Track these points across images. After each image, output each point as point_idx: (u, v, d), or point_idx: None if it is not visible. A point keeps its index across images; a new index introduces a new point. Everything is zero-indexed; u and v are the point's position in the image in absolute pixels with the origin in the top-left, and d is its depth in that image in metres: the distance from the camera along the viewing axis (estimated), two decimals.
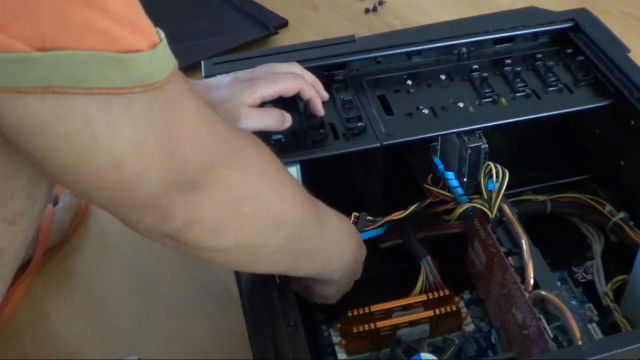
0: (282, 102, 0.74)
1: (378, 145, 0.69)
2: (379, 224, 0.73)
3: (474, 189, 0.71)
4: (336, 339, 0.71)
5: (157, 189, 0.42)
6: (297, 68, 0.71)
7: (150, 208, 0.43)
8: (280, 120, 0.67)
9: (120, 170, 0.40)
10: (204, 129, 0.44)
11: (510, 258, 0.64)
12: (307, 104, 0.71)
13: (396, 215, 0.72)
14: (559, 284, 0.71)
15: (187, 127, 0.42)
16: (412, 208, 0.72)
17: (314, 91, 0.70)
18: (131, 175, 0.40)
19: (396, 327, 0.69)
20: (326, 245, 0.61)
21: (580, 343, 0.56)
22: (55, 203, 0.92)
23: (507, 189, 0.66)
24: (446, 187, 0.72)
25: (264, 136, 0.70)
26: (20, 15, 0.34)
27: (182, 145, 0.42)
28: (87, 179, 0.40)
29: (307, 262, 0.60)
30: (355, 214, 0.73)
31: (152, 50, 0.38)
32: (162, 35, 0.41)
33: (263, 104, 0.68)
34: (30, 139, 0.38)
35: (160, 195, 0.42)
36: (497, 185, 0.66)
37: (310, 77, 0.71)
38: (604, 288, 0.72)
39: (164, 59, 0.40)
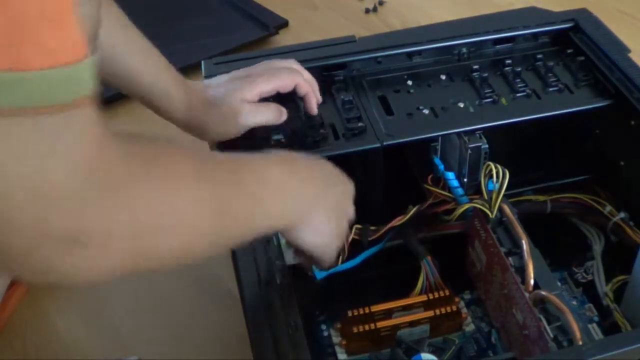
0: (281, 102, 0.74)
1: (378, 145, 0.69)
2: (381, 232, 0.73)
3: (474, 189, 0.71)
4: (336, 339, 0.71)
5: (29, 243, 0.36)
6: (294, 64, 0.71)
7: (26, 259, 0.37)
8: (277, 113, 0.69)
9: None
10: (83, 163, 0.37)
11: (510, 258, 0.64)
12: (302, 100, 0.71)
13: (397, 221, 0.72)
14: (559, 284, 0.71)
15: (60, 165, 0.36)
16: (411, 212, 0.72)
17: (310, 87, 0.70)
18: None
19: (396, 327, 0.69)
20: (266, 208, 0.55)
21: (580, 343, 0.56)
22: None
23: (507, 189, 0.66)
24: (446, 187, 0.72)
25: (264, 136, 0.70)
26: None
27: (52, 191, 0.35)
28: None
29: (248, 232, 0.54)
30: (357, 225, 0.73)
31: (48, 69, 0.33)
32: (89, 57, 0.35)
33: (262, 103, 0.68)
34: None
35: (34, 251, 0.36)
36: (497, 185, 0.66)
37: (307, 74, 0.72)
38: (604, 288, 0.72)
39: (64, 82, 0.34)
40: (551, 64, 0.77)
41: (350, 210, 0.64)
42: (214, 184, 0.49)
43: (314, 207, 0.59)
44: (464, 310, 0.72)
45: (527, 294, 0.61)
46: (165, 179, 0.44)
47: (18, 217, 0.35)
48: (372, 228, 0.73)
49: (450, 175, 0.71)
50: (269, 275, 0.61)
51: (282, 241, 0.67)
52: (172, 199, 0.44)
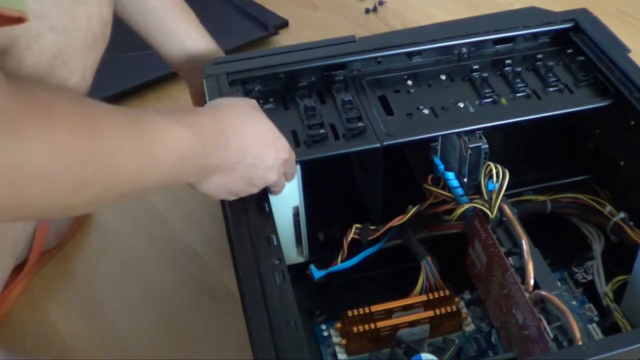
0: (282, 101, 0.74)
1: (378, 145, 0.69)
2: (381, 232, 0.73)
3: (474, 189, 0.71)
4: (336, 339, 0.71)
5: None
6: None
7: None
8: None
9: None
10: None
11: (510, 258, 0.64)
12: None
13: (396, 221, 0.73)
14: (559, 284, 0.71)
15: None
16: (411, 211, 0.72)
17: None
18: None
19: (396, 327, 0.69)
20: (157, 172, 0.53)
21: (580, 343, 0.56)
22: None
23: (507, 189, 0.66)
24: (446, 187, 0.72)
25: None
26: None
27: None
28: None
29: (139, 191, 0.53)
30: (357, 225, 0.73)
31: None
32: None
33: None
34: None
35: None
36: (497, 185, 0.66)
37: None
38: (604, 288, 0.72)
39: None
40: (551, 64, 0.77)
41: (271, 179, 0.62)
42: (103, 138, 0.47)
43: (208, 174, 0.58)
44: (464, 310, 0.72)
45: (527, 294, 0.61)
46: (52, 129, 0.43)
47: None
48: (372, 228, 0.73)
49: (450, 175, 0.71)
50: (269, 275, 0.61)
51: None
52: (55, 149, 0.43)
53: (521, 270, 0.63)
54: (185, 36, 0.83)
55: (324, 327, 0.73)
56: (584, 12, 0.82)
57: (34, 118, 0.42)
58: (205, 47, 0.84)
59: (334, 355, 0.70)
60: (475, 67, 0.77)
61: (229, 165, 0.58)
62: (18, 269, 0.85)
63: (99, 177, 0.46)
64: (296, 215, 0.73)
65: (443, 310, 0.69)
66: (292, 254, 0.77)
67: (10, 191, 0.41)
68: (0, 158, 0.39)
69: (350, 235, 0.73)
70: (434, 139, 0.71)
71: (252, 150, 0.60)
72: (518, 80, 0.75)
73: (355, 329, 0.68)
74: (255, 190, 0.63)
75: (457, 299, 0.72)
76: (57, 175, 0.43)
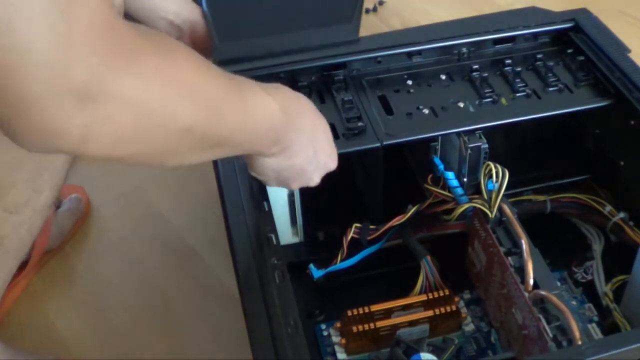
0: None
1: (378, 145, 0.69)
2: (380, 231, 0.73)
3: (473, 189, 0.71)
4: (336, 338, 0.71)
5: (45, 92, 0.37)
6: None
7: (38, 120, 0.38)
8: None
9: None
10: (98, 28, 0.39)
11: (509, 258, 0.64)
12: None
13: (396, 221, 0.73)
14: (558, 283, 0.71)
15: (79, 24, 0.37)
16: (411, 211, 0.72)
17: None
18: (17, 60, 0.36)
19: (396, 327, 0.69)
20: (250, 132, 0.55)
21: (580, 343, 0.56)
22: (58, 206, 0.92)
23: (507, 189, 0.66)
24: (446, 186, 0.72)
25: None
26: None
27: (73, 45, 0.37)
28: None
29: (227, 150, 0.55)
30: (356, 224, 0.73)
31: None
32: None
33: None
34: None
35: (49, 102, 0.38)
36: (497, 185, 0.66)
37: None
38: (604, 288, 0.72)
39: None
40: (551, 63, 0.77)
41: (313, 180, 0.65)
42: (214, 85, 0.50)
43: (279, 152, 0.60)
44: (464, 310, 0.72)
45: (526, 294, 0.61)
46: (171, 65, 0.45)
47: (40, 62, 0.36)
48: (372, 227, 0.74)
49: (450, 175, 0.71)
50: (269, 275, 0.61)
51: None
52: (174, 84, 0.45)
53: (521, 270, 0.63)
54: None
55: (323, 326, 0.73)
56: (584, 12, 0.82)
57: (156, 51, 0.43)
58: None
59: (334, 354, 0.70)
60: (475, 67, 0.77)
61: (296, 150, 0.60)
62: (19, 269, 0.85)
63: (204, 120, 0.48)
64: (291, 195, 0.73)
65: (443, 310, 0.69)
66: (287, 234, 0.77)
67: (132, 124, 0.42)
68: (123, 88, 0.40)
69: (350, 235, 0.73)
70: (434, 138, 0.71)
71: (316, 145, 0.62)
72: (518, 80, 0.75)
73: (355, 329, 0.68)
74: (296, 185, 0.64)
75: (456, 299, 0.72)
76: (172, 110, 0.44)
